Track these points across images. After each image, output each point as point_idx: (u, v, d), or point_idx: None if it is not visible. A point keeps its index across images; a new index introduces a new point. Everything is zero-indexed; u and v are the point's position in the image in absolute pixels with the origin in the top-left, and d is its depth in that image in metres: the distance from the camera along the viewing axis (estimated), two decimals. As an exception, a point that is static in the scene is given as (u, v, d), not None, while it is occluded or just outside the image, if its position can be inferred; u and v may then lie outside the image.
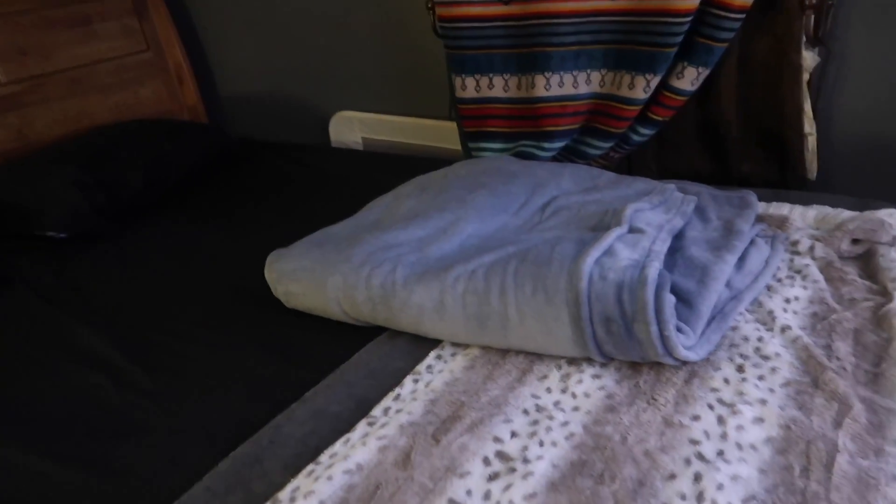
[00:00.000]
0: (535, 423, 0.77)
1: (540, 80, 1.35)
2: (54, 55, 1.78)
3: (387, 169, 1.58)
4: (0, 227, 1.46)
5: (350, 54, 1.82)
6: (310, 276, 1.00)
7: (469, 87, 1.41)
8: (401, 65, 1.74)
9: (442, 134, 1.65)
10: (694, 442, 0.71)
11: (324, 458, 0.75)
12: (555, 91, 1.36)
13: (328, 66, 1.88)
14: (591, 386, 0.82)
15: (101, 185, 1.50)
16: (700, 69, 1.24)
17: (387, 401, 0.84)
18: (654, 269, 0.80)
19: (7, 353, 1.08)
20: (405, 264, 0.95)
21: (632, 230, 0.93)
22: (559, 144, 1.44)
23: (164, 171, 1.64)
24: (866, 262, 0.98)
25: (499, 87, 1.40)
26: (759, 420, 0.73)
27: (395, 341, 0.96)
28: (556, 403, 0.80)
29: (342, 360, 0.92)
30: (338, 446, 0.77)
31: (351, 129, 1.84)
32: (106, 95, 1.89)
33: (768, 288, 0.95)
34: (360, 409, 0.83)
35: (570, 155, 1.49)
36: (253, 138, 1.99)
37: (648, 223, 0.94)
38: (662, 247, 0.88)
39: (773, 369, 0.80)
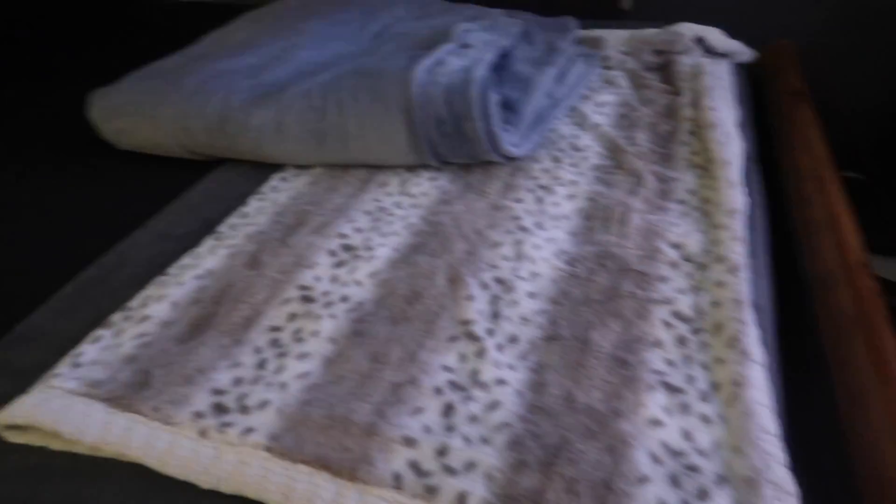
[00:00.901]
0: (377, 220, 0.82)
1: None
2: None
3: (218, 20, 1.50)
4: None
5: None
6: (139, 109, 0.96)
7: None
8: None
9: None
10: (516, 218, 0.80)
11: (173, 269, 0.77)
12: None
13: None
14: (428, 187, 0.88)
15: None
16: None
17: (233, 218, 0.85)
18: (480, 71, 0.86)
19: None
20: (240, 89, 0.94)
21: (462, 46, 0.98)
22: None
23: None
24: (666, 69, 1.10)
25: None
26: (571, 196, 0.83)
27: (237, 169, 0.96)
28: (397, 203, 0.85)
29: (183, 190, 0.92)
30: (186, 259, 0.78)
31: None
32: None
33: (584, 96, 1.05)
34: (206, 227, 0.84)
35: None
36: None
37: (477, 40, 0.99)
38: (489, 57, 0.93)
39: (584, 158, 0.90)
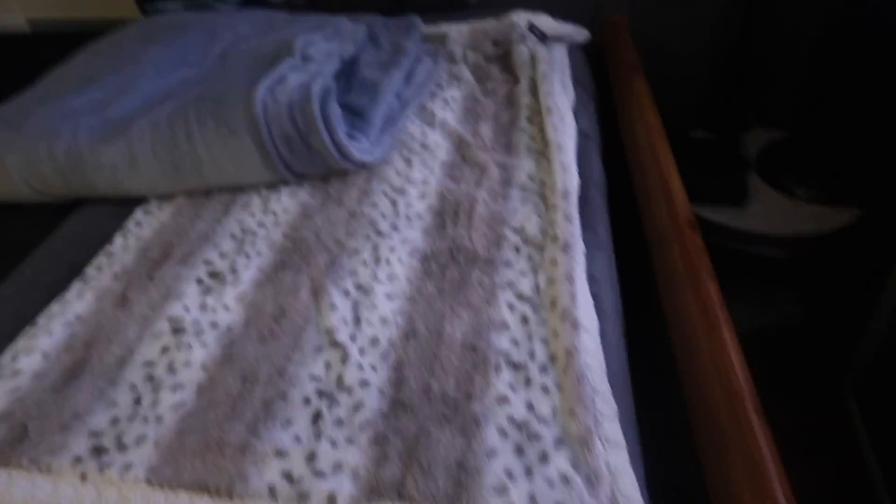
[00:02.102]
0: (242, 242, 0.86)
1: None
2: None
3: (61, 50, 1.45)
4: None
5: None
6: (-18, 160, 0.94)
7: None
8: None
9: (119, 2, 1.54)
10: (373, 223, 0.86)
11: (41, 319, 0.78)
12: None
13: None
14: (289, 202, 0.92)
15: None
16: None
17: (99, 258, 0.86)
18: (318, 85, 0.90)
19: None
20: (87, 127, 0.94)
21: (304, 59, 1.01)
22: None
23: None
24: (506, 59, 1.18)
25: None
26: (423, 196, 0.90)
27: (99, 207, 0.96)
28: (260, 223, 0.89)
29: (47, 237, 0.92)
30: (54, 307, 0.79)
31: (8, 9, 1.62)
32: None
33: (432, 94, 1.11)
34: (73, 272, 0.85)
35: (252, 4, 1.49)
36: None
37: (319, 52, 1.03)
38: (330, 69, 0.97)
39: (434, 156, 0.97)
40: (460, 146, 0.98)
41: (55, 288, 0.84)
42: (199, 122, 0.90)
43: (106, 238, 0.91)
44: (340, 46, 1.08)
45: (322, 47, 1.05)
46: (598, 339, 0.69)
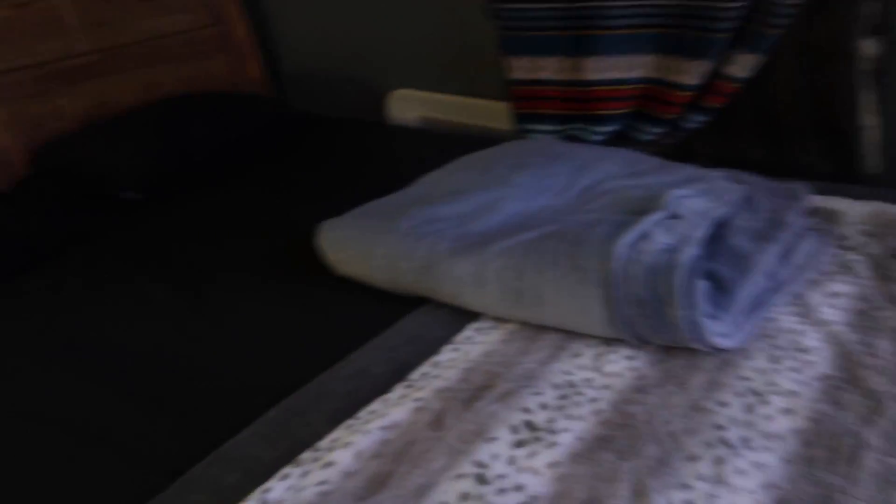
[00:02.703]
0: (565, 397, 0.79)
1: (590, 64, 1.35)
2: (129, 27, 1.88)
3: (441, 147, 1.61)
4: (80, 187, 1.57)
5: (410, 33, 1.85)
6: (357, 244, 1.04)
7: (520, 68, 1.42)
8: (457, 43, 1.76)
9: (498, 114, 1.67)
10: (719, 427, 0.72)
11: (362, 413, 0.80)
12: (605, 74, 1.36)
13: (388, 43, 1.92)
14: (622, 366, 0.84)
15: (173, 151, 1.60)
16: (755, 56, 1.22)
17: (425, 366, 0.88)
18: (687, 254, 0.81)
19: (82, 299, 1.18)
20: (448, 238, 0.98)
21: (673, 216, 0.94)
22: (610, 128, 1.44)
23: (230, 141, 1.72)
24: (919, 261, 0.96)
25: (549, 68, 1.41)
26: (788, 411, 0.74)
27: (437, 312, 0.99)
28: (587, 381, 0.82)
29: (385, 325, 0.97)
30: (376, 404, 0.81)
31: (409, 107, 1.87)
32: (177, 67, 1.98)
33: (813, 282, 0.94)
34: (399, 372, 0.88)
35: (620, 140, 1.49)
36: (314, 113, 2.06)
37: (690, 210, 0.95)
38: (700, 233, 0.88)
39: (809, 363, 0.80)
40: (847, 361, 0.79)
41: (381, 381, 0.87)
42: (551, 261, 0.88)
43: (436, 345, 0.92)
44: (713, 206, 0.98)
45: (694, 205, 0.97)
46: None
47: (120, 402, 0.91)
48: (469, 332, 0.94)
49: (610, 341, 0.88)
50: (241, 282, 1.16)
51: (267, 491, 0.71)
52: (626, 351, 0.86)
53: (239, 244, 1.31)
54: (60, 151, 1.64)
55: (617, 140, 1.48)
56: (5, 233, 1.36)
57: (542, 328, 0.92)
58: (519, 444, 0.73)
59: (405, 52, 1.90)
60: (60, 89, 1.75)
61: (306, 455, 0.75)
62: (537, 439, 0.73)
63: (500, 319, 0.95)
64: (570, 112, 1.43)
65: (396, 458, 0.73)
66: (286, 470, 0.74)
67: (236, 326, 1.04)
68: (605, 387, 0.80)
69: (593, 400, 0.78)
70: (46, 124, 1.72)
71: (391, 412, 0.79)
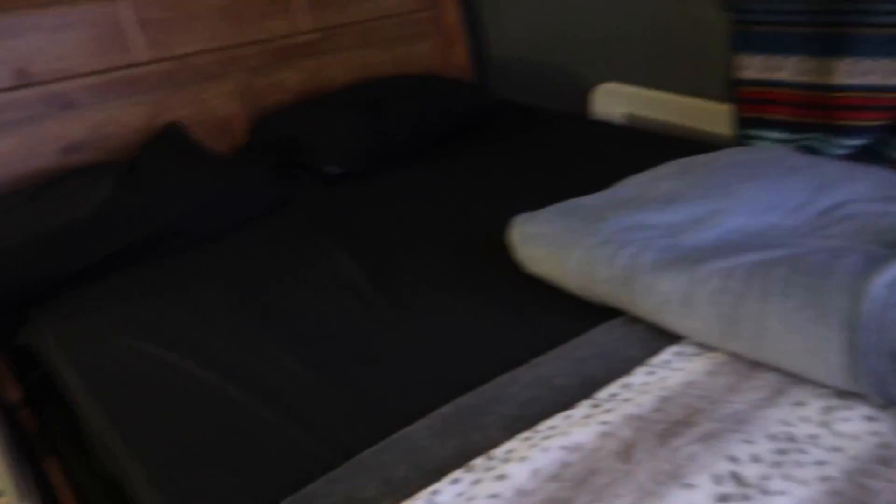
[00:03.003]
0: (783, 452, 0.67)
1: (842, 66, 1.16)
2: (348, 8, 1.96)
3: (648, 148, 1.49)
4: (288, 158, 1.67)
5: (622, 23, 1.74)
6: (552, 244, 0.98)
7: (753, 67, 1.27)
8: (676, 37, 1.62)
9: (716, 117, 1.51)
10: None
11: (542, 427, 0.75)
12: (860, 80, 1.17)
13: (598, 34, 1.82)
14: (860, 428, 0.69)
15: (376, 130, 1.64)
16: None
17: (614, 386, 0.80)
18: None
19: (278, 266, 1.24)
20: (654, 248, 0.89)
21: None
22: (856, 142, 1.24)
23: (431, 123, 1.74)
24: None
25: (789, 69, 1.24)
26: None
27: (631, 327, 0.91)
28: (812, 437, 0.69)
29: (573, 334, 0.90)
30: (558, 420, 0.75)
31: (615, 101, 1.76)
32: (388, 49, 2.04)
33: None
34: (585, 387, 0.81)
35: (868, 156, 1.27)
36: (516, 102, 2.02)
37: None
38: None
39: None
40: None
41: (563, 395, 0.80)
42: (780, 290, 0.76)
43: (628, 364, 0.84)
44: None
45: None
46: None
47: (303, 372, 0.93)
48: (667, 355, 0.84)
49: (844, 394, 0.74)
50: (428, 267, 1.16)
51: (436, 493, 0.68)
52: (864, 409, 0.72)
53: (429, 230, 1.30)
54: (275, 124, 1.76)
55: (863, 156, 1.26)
56: (220, 191, 1.46)
57: (756, 364, 0.80)
58: (722, 498, 0.63)
59: (616, 42, 1.78)
60: (283, 64, 1.87)
61: (479, 462, 0.71)
62: (746, 497, 0.63)
63: (706, 346, 0.84)
64: (808, 120, 1.25)
65: (577, 485, 0.66)
66: (457, 474, 0.70)
67: (420, 312, 1.03)
68: (836, 449, 0.67)
69: (820, 463, 0.66)
70: (268, 96, 1.85)
71: (574, 432, 0.72)
